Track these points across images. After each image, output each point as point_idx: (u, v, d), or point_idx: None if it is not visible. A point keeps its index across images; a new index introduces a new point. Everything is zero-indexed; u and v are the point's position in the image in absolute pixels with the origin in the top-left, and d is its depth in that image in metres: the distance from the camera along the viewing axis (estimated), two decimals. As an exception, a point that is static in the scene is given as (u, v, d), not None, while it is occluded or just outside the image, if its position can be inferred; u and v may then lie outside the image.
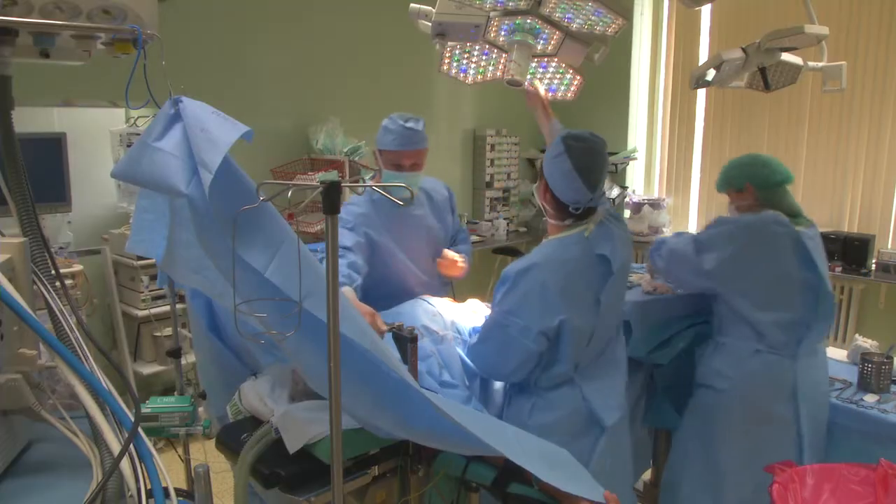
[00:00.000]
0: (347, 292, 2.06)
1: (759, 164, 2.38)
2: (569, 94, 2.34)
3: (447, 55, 2.03)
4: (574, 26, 1.90)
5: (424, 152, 2.32)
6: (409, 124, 2.24)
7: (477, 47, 2.10)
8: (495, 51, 2.15)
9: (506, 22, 1.91)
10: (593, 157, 1.89)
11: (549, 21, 1.86)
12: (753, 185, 2.35)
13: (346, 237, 2.25)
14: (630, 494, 2.17)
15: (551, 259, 1.90)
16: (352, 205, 2.35)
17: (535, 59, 2.24)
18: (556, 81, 2.37)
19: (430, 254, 2.47)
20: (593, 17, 1.86)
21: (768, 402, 2.28)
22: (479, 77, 2.23)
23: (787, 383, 2.26)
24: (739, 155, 2.45)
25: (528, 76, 2.29)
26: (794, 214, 2.34)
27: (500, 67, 2.21)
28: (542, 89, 2.34)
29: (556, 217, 1.97)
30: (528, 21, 1.87)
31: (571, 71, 2.36)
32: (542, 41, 1.98)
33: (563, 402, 1.93)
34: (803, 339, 2.27)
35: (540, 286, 1.86)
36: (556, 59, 2.23)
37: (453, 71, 2.13)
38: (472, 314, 2.23)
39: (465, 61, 2.17)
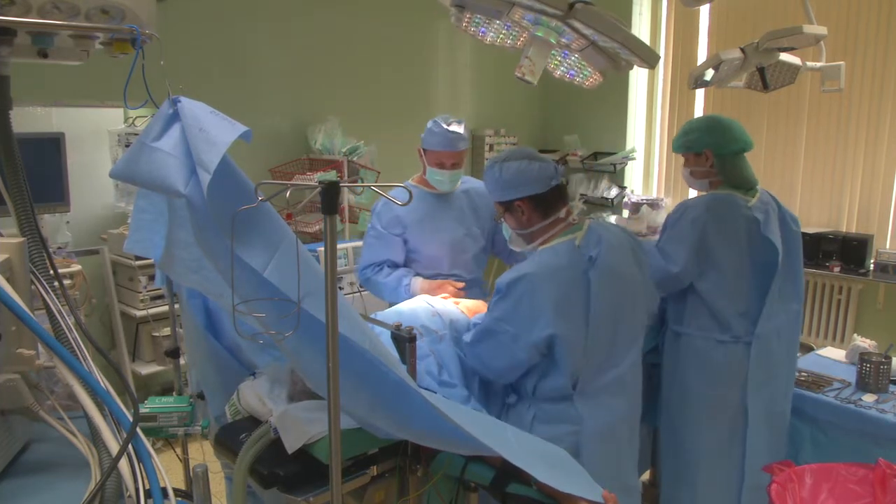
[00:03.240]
0: (416, 281, 2.42)
1: (720, 128, 2.33)
2: (586, 83, 2.32)
3: (467, 17, 1.99)
4: (601, 44, 1.89)
5: (465, 153, 2.51)
6: (452, 127, 2.42)
7: (498, 21, 2.06)
8: (518, 27, 2.11)
9: (532, 12, 1.86)
10: (519, 148, 2.02)
11: (576, 31, 1.84)
12: (713, 151, 2.32)
13: (376, 251, 2.51)
14: None
15: (543, 267, 1.87)
16: (381, 209, 2.53)
17: (558, 48, 2.21)
18: (574, 69, 2.36)
19: (450, 261, 2.53)
20: (620, 50, 1.85)
21: (728, 391, 2.30)
22: (499, 41, 2.21)
23: (741, 370, 2.28)
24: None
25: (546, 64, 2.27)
26: (750, 185, 2.33)
27: (520, 41, 2.16)
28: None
29: (545, 216, 1.95)
30: (555, 23, 1.84)
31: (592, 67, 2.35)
32: (566, 40, 1.96)
33: (560, 420, 1.91)
34: (757, 321, 2.27)
35: (531, 295, 1.84)
36: (578, 54, 2.21)
37: (472, 30, 2.10)
38: (469, 313, 2.23)
39: (484, 26, 2.13)
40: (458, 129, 2.43)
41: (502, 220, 2.06)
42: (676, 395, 2.37)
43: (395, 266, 2.53)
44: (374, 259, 2.53)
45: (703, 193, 2.40)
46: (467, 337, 1.99)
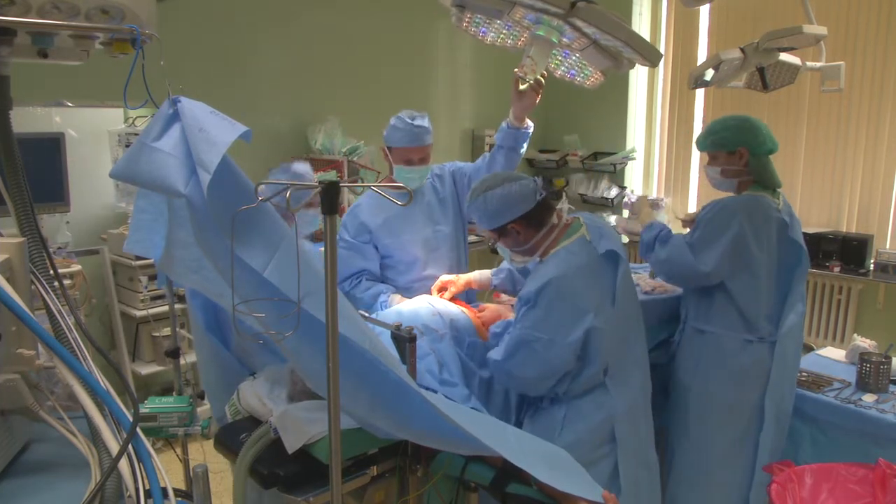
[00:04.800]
0: (394, 298, 2.33)
1: (754, 128, 2.32)
2: (587, 83, 2.33)
3: (468, 17, 1.99)
4: (603, 43, 1.89)
5: (431, 147, 2.43)
6: (417, 122, 2.35)
7: (499, 21, 2.06)
8: (519, 26, 2.11)
9: (533, 11, 1.87)
10: (494, 174, 2.03)
11: (578, 29, 1.84)
12: (748, 151, 2.30)
13: (349, 263, 2.42)
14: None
15: (566, 268, 1.90)
16: (347, 219, 2.46)
17: (560, 47, 2.20)
18: (575, 69, 2.36)
19: (424, 260, 2.48)
20: (622, 48, 1.85)
21: (749, 391, 2.30)
22: (499, 41, 2.21)
23: (764, 370, 2.28)
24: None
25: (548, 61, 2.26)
26: (777, 186, 2.34)
27: (520, 41, 2.16)
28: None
29: (539, 228, 1.97)
30: (557, 22, 1.85)
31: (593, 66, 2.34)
32: (567, 39, 1.96)
33: (595, 410, 1.93)
34: (778, 321, 2.29)
35: (561, 298, 1.87)
36: (579, 53, 2.21)
37: (472, 30, 2.10)
38: (483, 326, 2.23)
39: (485, 26, 2.13)
40: (423, 122, 2.37)
41: (498, 244, 2.05)
42: (694, 394, 2.36)
43: (373, 276, 2.45)
44: (349, 271, 2.43)
45: (730, 193, 2.38)
46: (496, 354, 1.97)
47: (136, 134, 3.48)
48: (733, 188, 2.39)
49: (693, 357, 2.37)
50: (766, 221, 2.26)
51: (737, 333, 2.30)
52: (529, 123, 2.41)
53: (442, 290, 2.35)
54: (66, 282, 3.00)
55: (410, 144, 2.35)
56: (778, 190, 2.36)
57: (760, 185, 2.33)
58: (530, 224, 1.96)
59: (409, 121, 2.34)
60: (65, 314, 1.10)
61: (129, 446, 0.92)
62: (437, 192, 2.54)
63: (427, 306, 2.16)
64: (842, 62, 2.60)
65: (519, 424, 2.05)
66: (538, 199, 1.95)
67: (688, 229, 2.45)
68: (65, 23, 1.16)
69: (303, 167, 2.25)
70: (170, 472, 0.96)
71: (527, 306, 1.90)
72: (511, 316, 2.25)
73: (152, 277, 3.50)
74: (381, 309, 2.34)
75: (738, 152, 2.31)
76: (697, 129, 5.07)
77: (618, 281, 1.94)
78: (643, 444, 2.04)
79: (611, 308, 1.93)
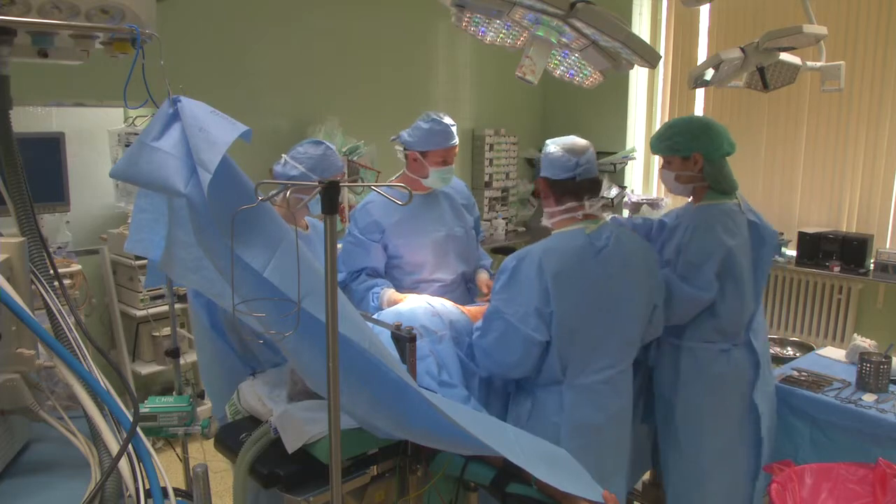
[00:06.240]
0: (386, 292, 2.32)
1: (709, 132, 2.24)
2: (586, 83, 2.32)
3: (467, 17, 2.00)
4: (601, 43, 1.90)
5: None
6: (447, 121, 2.38)
7: (498, 21, 2.07)
8: (518, 26, 2.12)
9: (533, 11, 1.87)
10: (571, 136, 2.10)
11: (577, 30, 1.84)
12: (703, 156, 2.23)
13: (354, 259, 2.41)
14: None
15: (549, 248, 1.94)
16: (358, 214, 2.45)
17: (559, 47, 2.20)
18: (574, 69, 2.35)
19: (433, 264, 2.47)
20: (621, 49, 1.86)
21: (732, 395, 2.30)
22: (498, 41, 2.21)
23: (743, 373, 2.28)
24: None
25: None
26: (734, 188, 2.29)
27: (519, 40, 2.16)
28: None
29: (557, 201, 2.03)
30: (556, 22, 1.85)
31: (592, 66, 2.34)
32: (566, 39, 1.97)
33: (553, 410, 1.92)
34: (750, 322, 2.29)
35: (536, 272, 1.89)
36: (578, 53, 2.21)
37: (471, 29, 2.11)
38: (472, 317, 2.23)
39: (484, 26, 2.14)
40: (451, 120, 2.39)
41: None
42: (678, 406, 2.33)
43: (374, 273, 2.43)
44: (352, 267, 2.42)
45: (690, 201, 2.35)
46: (475, 335, 2.00)
47: (136, 134, 3.48)
48: (688, 193, 2.34)
49: (672, 371, 2.34)
50: (740, 230, 2.23)
51: (713, 345, 2.27)
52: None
53: None
54: (66, 282, 3.01)
55: (447, 144, 2.37)
56: (737, 191, 2.31)
57: (717, 190, 2.27)
58: (548, 190, 2.04)
59: (444, 121, 2.36)
60: (65, 314, 1.10)
61: (129, 446, 0.92)
62: (451, 199, 2.56)
63: (426, 307, 2.15)
64: (842, 62, 2.60)
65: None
66: (562, 176, 2.00)
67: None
68: (65, 23, 1.17)
69: (331, 144, 2.28)
70: (170, 472, 0.96)
71: (504, 276, 1.94)
72: None
73: (153, 277, 3.50)
74: (373, 301, 2.32)
75: (693, 158, 2.24)
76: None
77: (593, 278, 1.92)
78: (605, 473, 1.94)
79: (584, 305, 1.91)
